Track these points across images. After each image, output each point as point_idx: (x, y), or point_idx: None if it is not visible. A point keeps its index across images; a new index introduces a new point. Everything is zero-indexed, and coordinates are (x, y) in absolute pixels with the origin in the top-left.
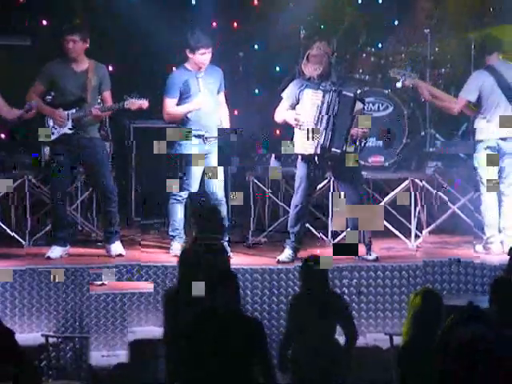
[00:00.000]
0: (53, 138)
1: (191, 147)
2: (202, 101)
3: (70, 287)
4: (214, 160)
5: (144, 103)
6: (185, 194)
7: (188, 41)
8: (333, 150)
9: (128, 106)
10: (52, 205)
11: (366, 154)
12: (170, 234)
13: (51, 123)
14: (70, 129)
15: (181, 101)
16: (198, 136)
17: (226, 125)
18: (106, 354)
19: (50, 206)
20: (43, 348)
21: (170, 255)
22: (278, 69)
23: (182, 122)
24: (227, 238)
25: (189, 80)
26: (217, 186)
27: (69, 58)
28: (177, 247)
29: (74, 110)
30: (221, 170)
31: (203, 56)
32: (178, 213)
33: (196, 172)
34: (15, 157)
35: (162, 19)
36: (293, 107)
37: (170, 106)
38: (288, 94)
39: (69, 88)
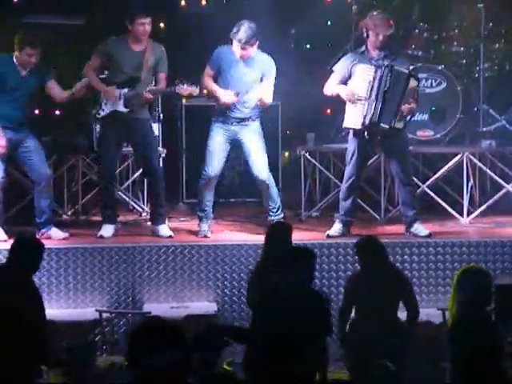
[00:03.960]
0: (102, 114)
1: (219, 126)
2: (230, 100)
3: (122, 266)
4: (249, 140)
5: (195, 90)
6: (212, 171)
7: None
8: (381, 124)
9: (179, 91)
10: (102, 183)
11: (414, 128)
12: (198, 213)
13: (103, 100)
14: (123, 107)
15: (222, 77)
16: (226, 117)
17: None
18: (176, 306)
19: (100, 185)
20: (97, 323)
21: (199, 237)
22: (329, 45)
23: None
24: (281, 215)
25: (227, 64)
26: (261, 166)
27: (131, 38)
28: (205, 228)
29: (126, 90)
30: (261, 149)
31: (244, 51)
32: (206, 192)
33: (214, 151)
34: (68, 136)
35: None
36: (343, 81)
37: (206, 74)
38: (339, 68)
39: (124, 67)
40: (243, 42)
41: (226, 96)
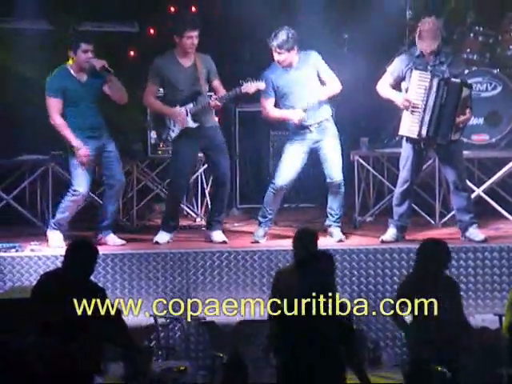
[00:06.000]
0: (174, 135)
1: (297, 138)
2: (301, 115)
3: (177, 271)
4: (327, 145)
5: (261, 84)
6: (282, 183)
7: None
8: (438, 141)
9: (245, 90)
10: (171, 194)
11: (469, 132)
12: (259, 218)
13: (171, 123)
14: (193, 123)
15: (279, 100)
16: (303, 127)
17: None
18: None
19: (168, 195)
20: (152, 329)
21: (252, 241)
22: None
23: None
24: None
25: (278, 80)
26: (336, 170)
27: (177, 53)
28: (260, 233)
29: (191, 105)
30: (338, 154)
31: (281, 56)
32: (272, 203)
33: (287, 164)
34: (123, 142)
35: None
36: (397, 82)
37: (268, 106)
38: (393, 69)
39: (181, 85)
40: (276, 45)
41: (295, 114)
